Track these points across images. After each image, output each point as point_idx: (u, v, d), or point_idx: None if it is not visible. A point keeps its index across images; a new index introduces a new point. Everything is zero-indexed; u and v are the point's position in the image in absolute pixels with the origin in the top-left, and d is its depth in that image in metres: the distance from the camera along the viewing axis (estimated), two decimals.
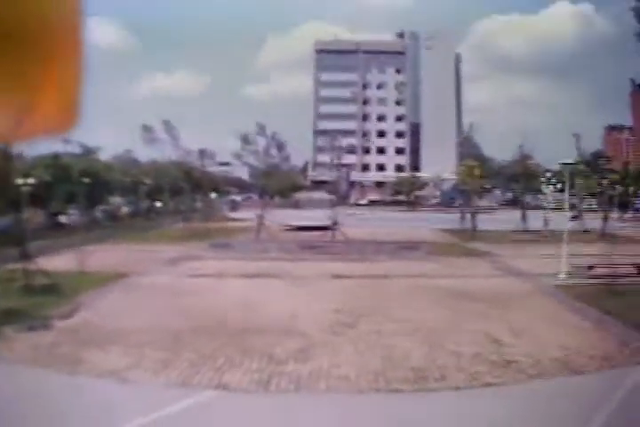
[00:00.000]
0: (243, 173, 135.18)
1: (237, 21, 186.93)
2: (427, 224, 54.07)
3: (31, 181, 47.18)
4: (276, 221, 49.54)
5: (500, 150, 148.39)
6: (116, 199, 70.22)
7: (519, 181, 57.00)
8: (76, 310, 18.80)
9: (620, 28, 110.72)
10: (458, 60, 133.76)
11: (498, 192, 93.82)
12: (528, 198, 59.14)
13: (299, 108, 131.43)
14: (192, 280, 25.37)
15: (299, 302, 20.22)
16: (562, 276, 25.28)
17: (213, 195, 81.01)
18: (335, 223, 44.06)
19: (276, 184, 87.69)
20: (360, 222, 56.64)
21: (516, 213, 50.79)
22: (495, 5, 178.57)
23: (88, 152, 71.69)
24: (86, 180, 56.32)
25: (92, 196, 57.37)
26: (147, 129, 60.13)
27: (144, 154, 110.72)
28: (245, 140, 54.22)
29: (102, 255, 31.07)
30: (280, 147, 58.99)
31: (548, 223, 44.67)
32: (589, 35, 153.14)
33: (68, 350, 14.22)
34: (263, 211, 45.96)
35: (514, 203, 64.14)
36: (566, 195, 31.95)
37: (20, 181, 47.26)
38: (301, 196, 70.48)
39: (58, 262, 26.50)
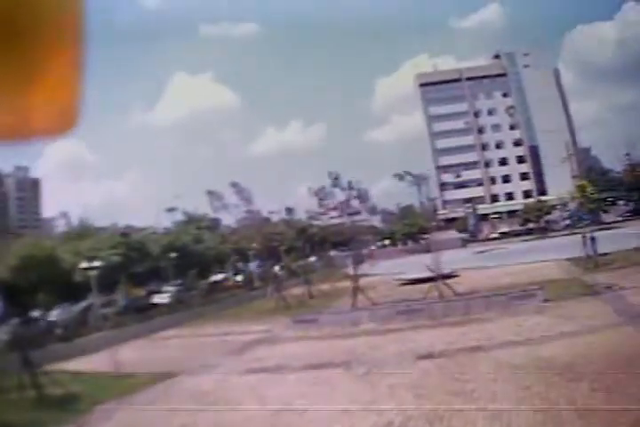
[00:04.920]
0: (376, 220, 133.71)
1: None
2: (554, 254, 50.13)
3: (97, 264, 46.24)
4: (394, 273, 46.99)
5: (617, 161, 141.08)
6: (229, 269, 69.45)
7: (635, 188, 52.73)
8: None
9: None
10: (557, 75, 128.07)
11: (622, 204, 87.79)
12: None
13: (417, 145, 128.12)
14: (244, 379, 22.08)
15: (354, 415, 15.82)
16: None
17: (332, 251, 78.79)
18: (447, 276, 40.26)
19: (406, 227, 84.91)
20: (487, 261, 54.35)
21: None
22: (573, 17, 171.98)
23: (192, 220, 71.20)
24: (173, 255, 55.66)
25: (183, 271, 56.85)
26: (213, 195, 58.04)
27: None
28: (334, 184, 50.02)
29: (161, 347, 30.75)
30: (361, 197, 54.97)
31: None
32: None
33: None
34: (356, 269, 42.41)
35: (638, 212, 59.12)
36: None
37: (84, 264, 47.29)
38: (431, 238, 65.31)
39: (100, 361, 25.31)
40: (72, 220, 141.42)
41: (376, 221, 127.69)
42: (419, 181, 50.55)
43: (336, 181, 49.50)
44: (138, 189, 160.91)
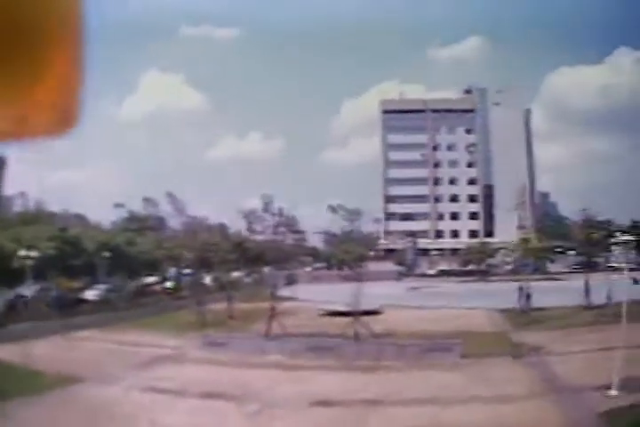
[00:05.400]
0: (318, 242, 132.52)
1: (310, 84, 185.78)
2: (488, 301, 48.74)
3: (34, 254, 47.78)
4: (319, 301, 46.45)
5: (574, 209, 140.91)
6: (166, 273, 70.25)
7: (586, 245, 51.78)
8: None
9: None
10: (528, 116, 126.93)
11: (572, 254, 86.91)
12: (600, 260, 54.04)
13: (369, 172, 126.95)
14: (142, 397, 22.04)
15: None
16: (612, 392, 19.52)
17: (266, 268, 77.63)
18: (369, 312, 38.98)
19: (343, 254, 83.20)
20: (417, 299, 54.12)
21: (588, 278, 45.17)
22: (561, 58, 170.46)
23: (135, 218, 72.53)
24: (106, 254, 56.61)
25: (115, 271, 58.12)
26: (149, 201, 58.51)
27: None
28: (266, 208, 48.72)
29: (74, 348, 30.93)
30: (289, 225, 53.87)
31: (612, 294, 38.38)
32: None
33: None
34: (275, 293, 42.40)
35: (587, 265, 58.11)
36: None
37: (22, 252, 48.48)
38: (367, 267, 65.81)
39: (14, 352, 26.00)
40: (29, 201, 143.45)
41: (317, 242, 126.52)
42: (352, 216, 48.82)
43: (267, 205, 48.73)
44: (95, 181, 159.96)
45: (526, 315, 40.84)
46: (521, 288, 43.99)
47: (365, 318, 35.96)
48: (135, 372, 26.61)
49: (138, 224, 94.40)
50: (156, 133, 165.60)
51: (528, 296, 42.93)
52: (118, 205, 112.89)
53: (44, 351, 28.18)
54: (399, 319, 40.89)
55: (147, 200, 56.82)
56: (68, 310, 46.08)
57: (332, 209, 49.04)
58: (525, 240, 45.13)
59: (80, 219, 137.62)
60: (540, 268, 49.81)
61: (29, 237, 53.77)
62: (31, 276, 49.53)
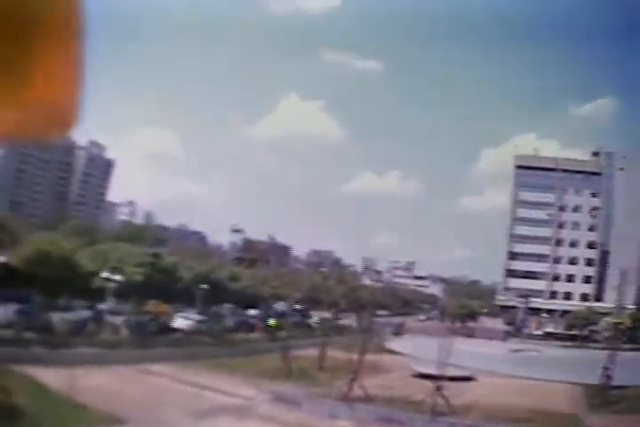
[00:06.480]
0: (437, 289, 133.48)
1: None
2: (578, 372, 48.30)
3: (118, 277, 46.55)
4: (417, 358, 46.52)
5: None
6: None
7: None
8: None
9: None
10: None
11: None
12: None
13: (498, 224, 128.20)
14: None
15: None
16: None
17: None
18: (460, 378, 40.59)
19: (459, 308, 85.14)
20: (513, 365, 53.32)
21: None
22: None
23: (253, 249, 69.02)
24: (204, 286, 54.56)
25: (213, 301, 55.26)
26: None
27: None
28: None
29: (136, 383, 29.95)
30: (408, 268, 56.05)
31: None
32: None
33: None
34: (381, 344, 43.38)
35: None
36: None
37: (104, 274, 47.72)
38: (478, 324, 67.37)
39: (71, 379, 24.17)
40: (137, 210, 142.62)
41: (437, 290, 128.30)
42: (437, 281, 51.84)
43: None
44: (216, 198, 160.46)
45: (604, 394, 40.06)
46: (606, 368, 44.61)
47: (454, 385, 36.40)
48: (191, 421, 26.02)
49: (252, 253, 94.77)
50: (288, 158, 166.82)
51: (609, 377, 41.63)
52: (236, 231, 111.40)
53: (101, 382, 27.24)
54: (486, 388, 41.17)
55: (236, 231, 57.27)
56: (151, 339, 44.28)
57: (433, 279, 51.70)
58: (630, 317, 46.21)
59: (198, 238, 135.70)
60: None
61: (117, 257, 52.47)
62: (113, 295, 47.93)
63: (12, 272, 44.74)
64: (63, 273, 46.59)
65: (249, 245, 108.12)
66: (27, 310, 42.22)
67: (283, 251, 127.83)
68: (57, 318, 42.47)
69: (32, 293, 45.34)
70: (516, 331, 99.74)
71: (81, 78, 1.43)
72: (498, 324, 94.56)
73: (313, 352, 46.86)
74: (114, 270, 47.31)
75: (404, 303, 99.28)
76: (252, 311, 65.76)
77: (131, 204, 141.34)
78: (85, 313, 46.43)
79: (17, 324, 37.41)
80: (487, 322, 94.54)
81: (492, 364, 50.80)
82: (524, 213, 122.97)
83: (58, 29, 1.36)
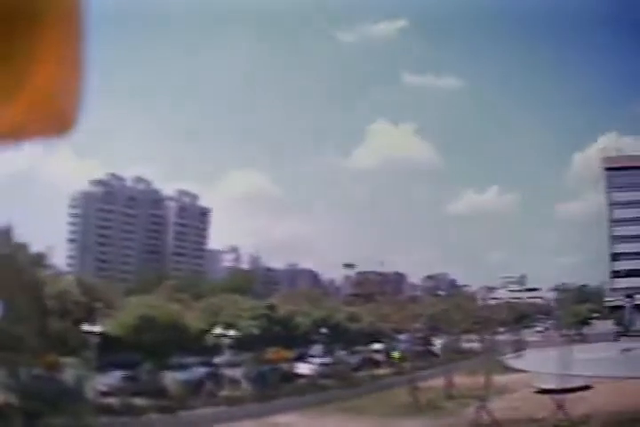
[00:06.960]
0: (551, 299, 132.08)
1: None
2: None
3: (232, 333, 45.13)
4: (539, 373, 46.79)
5: None
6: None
7: None
8: None
9: None
10: None
11: None
12: None
13: (596, 227, 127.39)
14: None
15: None
16: None
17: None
18: (579, 388, 41.49)
19: (572, 317, 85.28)
20: (626, 364, 53.54)
21: None
22: None
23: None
24: (323, 330, 53.92)
25: (334, 343, 54.55)
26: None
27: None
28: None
29: None
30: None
31: None
32: None
33: None
34: (488, 375, 41.47)
35: None
36: None
37: (217, 331, 46.10)
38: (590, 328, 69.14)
39: None
40: (242, 255, 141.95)
41: (550, 300, 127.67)
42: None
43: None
44: (320, 234, 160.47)
45: None
46: None
47: (572, 397, 37.78)
48: None
49: (366, 287, 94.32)
50: (388, 185, 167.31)
51: None
52: (348, 266, 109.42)
53: None
54: (602, 395, 40.92)
55: (348, 266, 56.76)
56: (274, 389, 43.59)
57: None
58: None
59: (309, 276, 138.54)
60: None
61: (229, 311, 51.40)
62: (228, 348, 46.53)
63: (113, 339, 42.43)
64: (171, 335, 44.87)
65: (363, 278, 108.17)
66: (133, 375, 41.65)
67: (397, 279, 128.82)
68: (169, 378, 42.06)
69: (137, 357, 44.48)
70: (625, 330, 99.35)
71: (82, 78, 1.43)
72: (608, 325, 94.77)
73: (439, 381, 47.14)
74: (227, 326, 46.01)
75: (521, 317, 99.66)
76: (376, 345, 65.89)
77: (234, 249, 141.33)
78: (201, 370, 45.54)
79: (123, 390, 36.91)
80: (599, 325, 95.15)
81: (605, 368, 51.12)
82: (620, 213, 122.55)
83: (56, 29, 1.35)
